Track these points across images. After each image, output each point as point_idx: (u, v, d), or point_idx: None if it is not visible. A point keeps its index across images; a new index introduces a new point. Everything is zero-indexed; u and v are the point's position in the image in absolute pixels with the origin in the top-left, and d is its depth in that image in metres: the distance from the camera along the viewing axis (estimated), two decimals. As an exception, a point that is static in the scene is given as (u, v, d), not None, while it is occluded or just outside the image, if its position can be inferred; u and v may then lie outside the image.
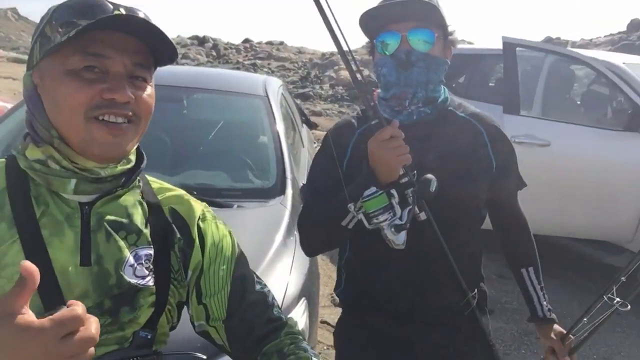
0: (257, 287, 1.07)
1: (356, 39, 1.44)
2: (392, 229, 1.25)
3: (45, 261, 0.84)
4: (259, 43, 33.97)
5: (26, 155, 0.90)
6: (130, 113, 0.89)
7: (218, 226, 1.08)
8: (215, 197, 2.28)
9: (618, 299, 1.42)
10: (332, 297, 4.00)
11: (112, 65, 0.87)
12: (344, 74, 20.50)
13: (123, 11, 0.88)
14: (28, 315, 0.64)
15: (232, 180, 2.70)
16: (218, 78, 3.87)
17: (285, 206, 2.47)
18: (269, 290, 1.09)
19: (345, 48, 1.24)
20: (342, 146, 1.49)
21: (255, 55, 29.03)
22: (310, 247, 1.58)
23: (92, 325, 0.67)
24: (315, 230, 1.50)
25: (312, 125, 5.32)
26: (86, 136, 0.86)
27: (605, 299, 1.45)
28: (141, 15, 0.88)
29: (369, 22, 1.44)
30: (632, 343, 3.65)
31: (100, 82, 0.86)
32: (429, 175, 1.27)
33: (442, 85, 1.49)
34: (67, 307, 0.66)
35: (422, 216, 1.29)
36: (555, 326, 1.57)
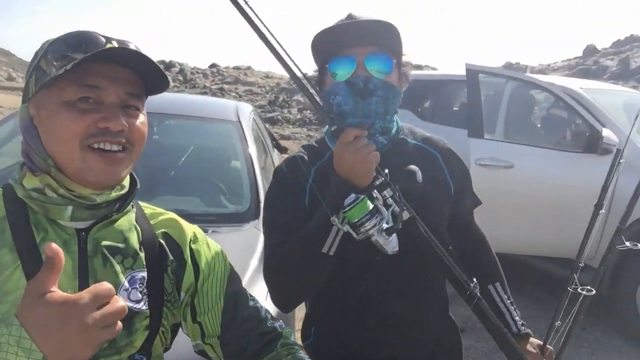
0: (250, 302, 1.10)
1: (306, 64, 1.24)
2: (384, 234, 1.14)
3: None
4: (226, 68, 34.10)
5: (24, 185, 0.92)
6: (124, 140, 0.92)
7: (209, 245, 1.11)
8: (189, 222, 2.26)
9: (582, 287, 1.44)
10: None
11: (106, 95, 0.91)
12: (312, 98, 20.70)
13: (115, 44, 0.92)
14: (60, 292, 0.69)
15: (205, 206, 2.72)
16: (190, 104, 3.91)
17: (259, 230, 2.49)
18: (261, 306, 1.12)
19: (298, 73, 1.17)
20: (300, 183, 1.39)
21: (223, 80, 29.13)
22: (285, 298, 1.37)
23: (120, 299, 0.73)
24: (289, 273, 1.30)
25: (282, 149, 5.38)
26: (82, 165, 0.89)
27: (570, 290, 1.46)
28: (132, 47, 0.92)
29: (321, 45, 1.33)
30: (598, 357, 3.77)
31: (95, 112, 0.89)
32: (412, 167, 1.22)
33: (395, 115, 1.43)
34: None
35: (406, 215, 1.20)
36: (532, 339, 1.55)
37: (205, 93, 22.93)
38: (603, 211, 1.48)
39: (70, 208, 0.91)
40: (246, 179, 2.85)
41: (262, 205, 2.66)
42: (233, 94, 24.32)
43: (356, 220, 1.12)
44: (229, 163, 3.14)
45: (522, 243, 4.21)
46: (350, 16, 1.32)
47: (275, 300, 1.36)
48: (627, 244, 1.48)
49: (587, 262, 4.48)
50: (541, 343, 1.52)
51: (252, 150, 3.08)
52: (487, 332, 1.45)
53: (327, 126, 1.41)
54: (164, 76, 0.96)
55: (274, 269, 1.32)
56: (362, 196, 1.14)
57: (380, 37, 1.29)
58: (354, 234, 1.14)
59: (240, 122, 3.29)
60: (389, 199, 1.18)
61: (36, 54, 0.94)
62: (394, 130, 1.42)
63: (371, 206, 1.14)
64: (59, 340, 0.69)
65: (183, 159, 2.98)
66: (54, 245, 0.70)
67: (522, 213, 4.08)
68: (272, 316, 1.13)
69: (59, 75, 0.86)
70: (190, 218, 2.75)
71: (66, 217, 0.91)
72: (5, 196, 0.93)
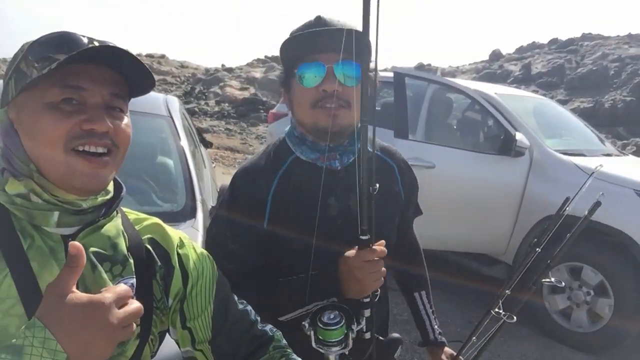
0: (240, 306, 1.10)
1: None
2: (337, 357, 1.17)
3: (37, 294, 0.83)
4: (139, 55, 32.69)
5: (6, 190, 0.88)
6: (110, 142, 0.90)
7: (196, 250, 1.09)
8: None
9: (504, 312, 1.49)
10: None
11: (90, 96, 0.88)
12: (230, 90, 20.41)
13: (97, 44, 0.89)
14: (82, 293, 0.72)
15: (138, 204, 2.61)
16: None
17: (197, 229, 2.45)
18: (250, 309, 1.11)
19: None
20: (259, 199, 1.35)
21: (135, 68, 27.86)
22: None
23: (135, 301, 0.77)
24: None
25: (207, 144, 5.26)
26: (66, 170, 0.86)
27: (493, 313, 1.51)
28: (118, 45, 0.89)
29: (289, 49, 1.31)
30: (509, 346, 4.05)
31: (79, 114, 0.87)
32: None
33: None
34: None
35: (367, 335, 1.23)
36: (446, 349, 1.63)
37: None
38: (539, 250, 1.55)
39: (56, 214, 0.88)
40: (180, 176, 2.78)
41: (198, 204, 2.63)
42: (146, 83, 23.35)
43: (328, 340, 1.15)
44: (162, 160, 3.03)
45: (441, 239, 4.42)
46: (318, 19, 1.31)
47: None
48: (552, 279, 1.57)
49: (499, 257, 4.79)
50: (454, 353, 1.59)
51: (185, 146, 3.00)
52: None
53: (288, 127, 1.42)
54: (149, 76, 0.94)
55: None
56: (342, 323, 1.16)
57: (349, 44, 1.26)
58: (314, 344, 1.16)
59: (171, 116, 3.19)
60: (363, 326, 1.20)
61: (15, 56, 0.90)
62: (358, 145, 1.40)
63: (344, 334, 1.16)
64: (83, 339, 0.70)
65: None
66: (77, 244, 0.72)
67: (442, 211, 4.28)
68: (261, 319, 1.13)
69: (42, 75, 0.83)
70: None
71: (52, 223, 0.88)
72: None
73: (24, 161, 0.88)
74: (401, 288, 1.68)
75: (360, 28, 1.29)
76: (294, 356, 1.07)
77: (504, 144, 4.31)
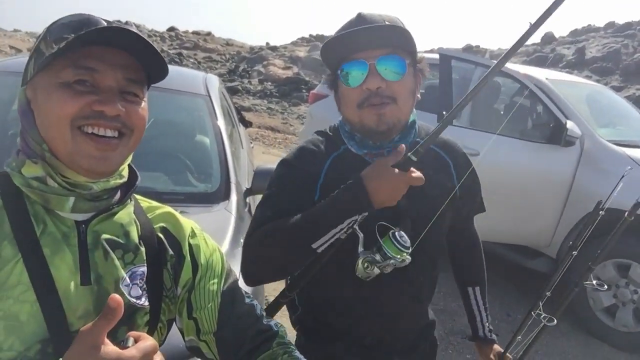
0: (246, 300, 1.09)
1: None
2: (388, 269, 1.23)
3: (48, 280, 0.84)
4: (185, 32, 33.06)
5: (22, 173, 0.87)
6: (120, 125, 0.88)
7: (207, 242, 1.09)
8: (156, 201, 2.17)
9: (545, 315, 1.50)
10: (267, 300, 3.99)
11: (104, 79, 0.87)
12: (273, 69, 20.42)
13: (106, 25, 0.87)
14: (112, 346, 0.72)
15: (173, 184, 2.61)
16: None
17: (230, 212, 2.42)
18: (257, 304, 1.11)
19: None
20: (313, 172, 1.36)
21: (181, 45, 28.21)
22: (256, 273, 1.34)
23: (160, 355, 0.78)
24: (270, 251, 1.26)
25: (247, 124, 5.24)
26: (73, 148, 0.86)
27: (534, 315, 1.53)
28: (133, 29, 0.87)
29: (331, 50, 1.31)
30: (548, 342, 3.92)
31: (90, 94, 0.86)
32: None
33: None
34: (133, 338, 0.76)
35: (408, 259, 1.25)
36: (495, 346, 1.63)
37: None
38: (575, 253, 1.54)
39: (72, 199, 0.88)
40: (216, 157, 2.75)
41: (232, 186, 2.60)
42: (192, 60, 23.66)
43: (391, 254, 1.20)
44: (199, 140, 3.02)
45: (482, 229, 4.28)
46: (359, 17, 1.29)
47: (245, 272, 1.32)
48: (594, 282, 1.56)
49: (543, 250, 4.62)
50: (502, 351, 1.60)
51: (222, 126, 2.98)
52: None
53: (340, 118, 1.42)
54: (163, 63, 0.92)
55: (256, 242, 1.28)
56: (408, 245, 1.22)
57: (391, 39, 1.26)
58: (377, 265, 1.22)
59: (209, 95, 3.17)
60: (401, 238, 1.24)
61: (38, 37, 0.90)
62: (412, 137, 1.39)
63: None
64: None
65: (146, 132, 2.83)
66: (118, 298, 0.71)
67: (485, 200, 4.14)
68: (266, 314, 1.13)
69: (57, 56, 0.83)
70: (158, 197, 2.66)
71: (67, 209, 0.88)
72: (1, 185, 0.88)
73: (37, 140, 0.88)
74: (457, 280, 1.70)
75: (401, 22, 1.31)
76: (297, 353, 1.07)
77: (553, 133, 4.12)
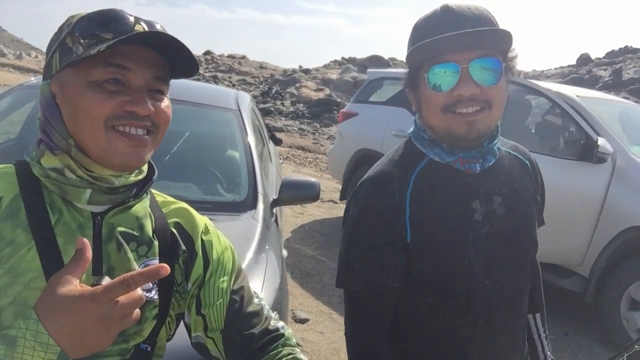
0: (255, 300, 1.09)
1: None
2: None
3: (60, 269, 0.83)
4: (221, 56, 33.88)
5: (41, 163, 0.89)
6: (150, 124, 0.90)
7: (220, 239, 1.09)
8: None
9: None
10: (293, 313, 4.02)
11: (134, 78, 0.88)
12: (305, 91, 20.67)
13: (144, 24, 0.90)
14: (81, 286, 0.74)
15: (202, 193, 2.69)
16: (189, 90, 3.87)
17: (257, 220, 2.48)
18: (265, 305, 1.10)
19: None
20: (395, 207, 1.17)
21: (217, 68, 28.97)
22: None
23: (138, 289, 0.76)
24: None
25: (277, 141, 5.34)
26: (107, 146, 0.87)
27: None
28: (158, 27, 0.91)
29: (419, 51, 1.15)
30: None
31: (122, 95, 0.87)
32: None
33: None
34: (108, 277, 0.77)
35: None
36: None
37: (198, 80, 22.84)
38: None
39: (88, 191, 0.89)
40: (244, 168, 2.82)
41: (259, 196, 2.66)
42: (226, 83, 24.17)
43: None
44: (226, 152, 3.11)
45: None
46: (447, 10, 1.16)
47: None
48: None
49: (574, 268, 4.52)
50: None
51: (251, 140, 3.05)
52: None
53: (412, 128, 1.30)
54: (193, 61, 0.94)
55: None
56: None
57: (485, 38, 1.12)
58: None
59: (240, 110, 3.26)
60: None
61: (60, 29, 0.92)
62: (497, 144, 1.26)
63: None
64: (77, 331, 0.71)
65: (179, 145, 2.94)
66: (85, 240, 0.74)
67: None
68: (275, 316, 1.11)
69: (92, 54, 0.84)
70: (188, 205, 2.75)
71: (84, 200, 0.89)
72: (19, 173, 0.90)
73: (63, 135, 0.89)
74: None
75: (491, 14, 1.16)
76: (302, 356, 1.05)
77: (584, 149, 4.07)
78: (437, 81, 1.14)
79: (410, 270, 1.19)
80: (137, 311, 0.77)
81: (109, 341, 0.75)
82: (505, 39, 1.14)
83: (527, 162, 1.35)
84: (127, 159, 0.89)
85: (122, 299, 0.73)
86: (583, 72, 21.49)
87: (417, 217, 1.17)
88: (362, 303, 1.23)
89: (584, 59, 23.47)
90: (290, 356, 1.03)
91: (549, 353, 1.49)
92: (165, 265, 0.76)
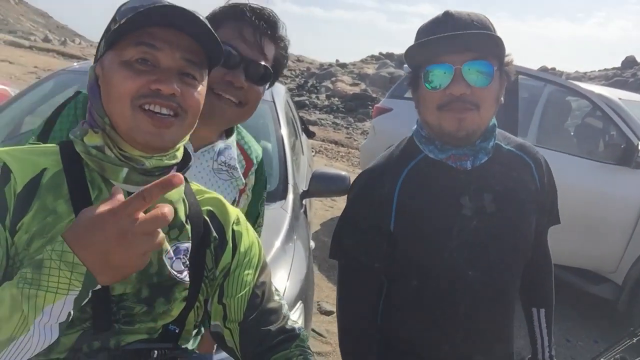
0: (276, 297, 1.11)
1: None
2: None
3: None
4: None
5: (84, 141, 0.93)
6: (176, 105, 0.92)
7: (249, 232, 1.11)
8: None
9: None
10: (319, 305, 4.04)
11: (163, 58, 0.91)
12: (341, 85, 20.63)
13: (168, 4, 0.92)
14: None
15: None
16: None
17: (286, 211, 2.51)
18: (285, 304, 1.12)
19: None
20: (385, 197, 1.32)
21: (254, 60, 29.05)
22: None
23: (165, 207, 0.77)
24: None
25: (310, 134, 5.36)
26: (132, 124, 0.90)
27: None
28: (192, 11, 0.92)
29: (415, 51, 1.25)
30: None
31: (149, 74, 0.90)
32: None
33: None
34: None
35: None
36: None
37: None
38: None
39: (125, 170, 0.92)
40: (276, 159, 2.85)
41: (289, 187, 2.69)
42: (263, 75, 24.25)
43: None
44: (259, 142, 3.14)
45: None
46: (447, 15, 1.25)
47: None
48: None
49: (607, 275, 4.42)
50: None
51: (284, 131, 3.08)
52: None
53: (415, 127, 1.39)
54: (219, 46, 0.95)
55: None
56: None
57: (479, 42, 1.21)
58: None
59: (274, 102, 3.29)
60: None
61: (111, 17, 0.97)
62: (493, 141, 1.33)
63: None
64: (99, 249, 0.73)
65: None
66: (120, 189, 0.79)
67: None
68: (290, 318, 1.13)
69: (116, 29, 0.88)
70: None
71: (120, 179, 0.92)
72: (63, 152, 0.95)
73: (100, 114, 0.94)
74: (521, 298, 1.56)
75: (490, 22, 1.25)
76: (312, 358, 1.06)
77: (624, 154, 3.97)
78: (432, 80, 1.23)
79: (395, 255, 1.33)
80: (162, 234, 0.78)
81: (134, 263, 0.76)
82: (498, 44, 1.21)
83: (530, 161, 1.39)
84: (150, 138, 0.91)
85: (142, 216, 0.75)
86: (628, 75, 20.83)
87: (403, 208, 1.30)
88: (347, 276, 1.43)
89: (629, 62, 22.73)
90: (302, 357, 1.04)
91: (548, 349, 1.53)
92: (179, 174, 0.77)
